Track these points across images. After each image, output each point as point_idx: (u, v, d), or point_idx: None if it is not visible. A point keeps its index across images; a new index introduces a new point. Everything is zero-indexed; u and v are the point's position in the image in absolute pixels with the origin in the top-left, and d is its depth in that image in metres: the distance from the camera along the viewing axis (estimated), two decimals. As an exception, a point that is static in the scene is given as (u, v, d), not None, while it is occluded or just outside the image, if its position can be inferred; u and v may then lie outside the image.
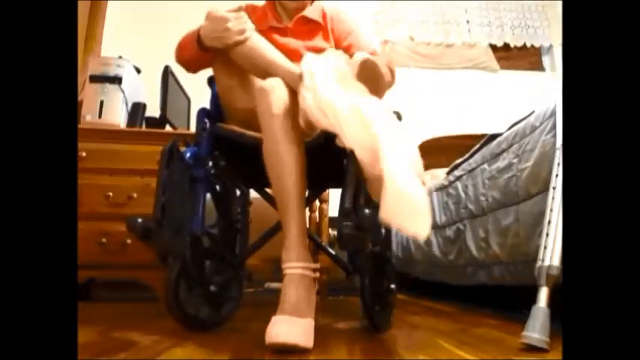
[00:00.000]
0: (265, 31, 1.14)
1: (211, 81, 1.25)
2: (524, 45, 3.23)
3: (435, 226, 1.84)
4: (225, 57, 1.05)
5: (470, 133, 2.54)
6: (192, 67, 1.17)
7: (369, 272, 1.06)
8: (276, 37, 1.20)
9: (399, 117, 1.08)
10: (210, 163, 1.12)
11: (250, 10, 1.23)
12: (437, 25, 3.22)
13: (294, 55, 1.06)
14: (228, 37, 1.01)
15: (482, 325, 1.14)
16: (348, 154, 0.87)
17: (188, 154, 1.08)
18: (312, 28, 1.26)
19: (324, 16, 1.28)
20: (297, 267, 0.86)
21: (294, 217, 0.90)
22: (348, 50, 1.23)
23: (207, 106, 1.23)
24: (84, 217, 1.59)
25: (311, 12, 1.27)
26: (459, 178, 1.69)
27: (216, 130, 1.14)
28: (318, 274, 0.92)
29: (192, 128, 1.54)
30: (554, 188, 0.91)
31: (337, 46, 1.25)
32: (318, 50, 1.20)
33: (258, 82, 0.99)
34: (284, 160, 0.90)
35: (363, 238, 0.87)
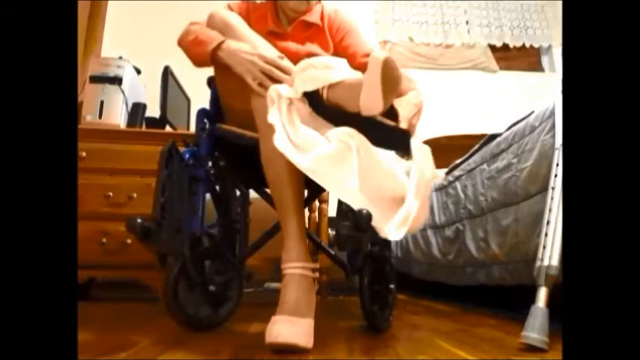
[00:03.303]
0: (264, 36, 1.14)
1: (211, 81, 1.25)
2: (524, 45, 3.24)
3: (435, 226, 1.85)
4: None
5: (469, 134, 2.53)
6: (196, 65, 1.14)
7: (368, 272, 1.07)
8: (275, 41, 1.19)
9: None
10: (210, 163, 1.12)
11: (251, 9, 1.22)
12: (436, 25, 3.23)
13: (294, 60, 1.05)
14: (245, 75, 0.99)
15: (481, 325, 1.14)
16: None
17: (187, 155, 1.08)
18: (312, 33, 1.24)
19: (322, 17, 1.27)
20: (296, 267, 0.86)
21: (293, 217, 0.90)
22: (346, 51, 1.23)
23: (207, 106, 1.23)
24: (84, 217, 1.59)
25: (310, 15, 1.25)
26: (458, 178, 1.69)
27: (215, 131, 1.14)
28: (317, 274, 0.92)
29: (192, 128, 1.54)
30: (553, 188, 0.91)
31: (335, 47, 1.25)
32: (316, 55, 1.20)
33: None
34: (280, 160, 0.90)
35: (361, 238, 0.87)
